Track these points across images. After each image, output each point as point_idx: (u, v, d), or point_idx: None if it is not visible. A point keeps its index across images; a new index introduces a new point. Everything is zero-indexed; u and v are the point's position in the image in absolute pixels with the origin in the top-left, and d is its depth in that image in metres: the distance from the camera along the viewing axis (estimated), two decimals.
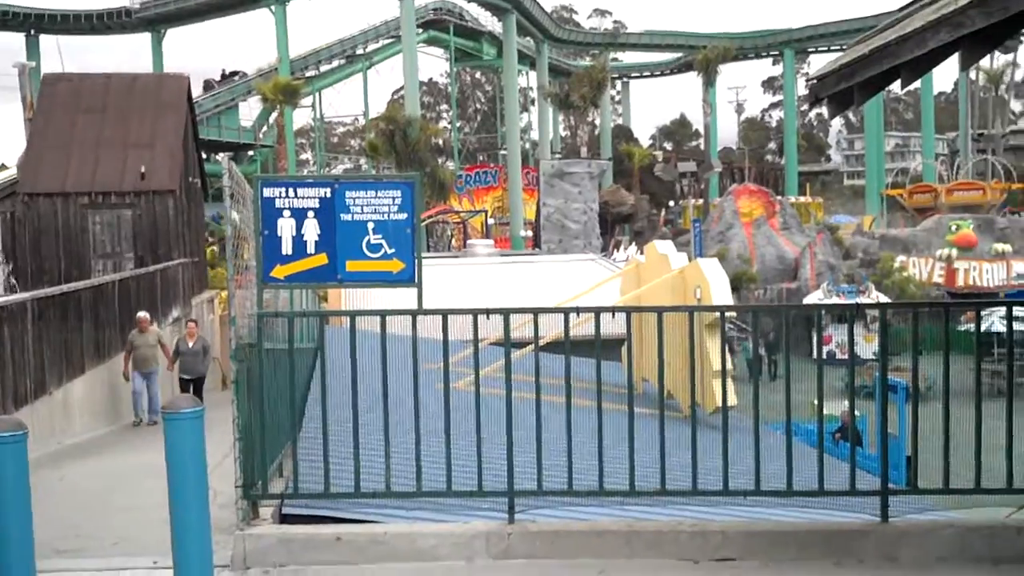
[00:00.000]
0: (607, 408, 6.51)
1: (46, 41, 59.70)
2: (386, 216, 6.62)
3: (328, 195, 6.62)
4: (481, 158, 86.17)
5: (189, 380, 16.64)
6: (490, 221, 60.32)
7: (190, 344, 16.93)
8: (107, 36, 63.62)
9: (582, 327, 7.13)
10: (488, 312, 6.36)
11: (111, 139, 24.84)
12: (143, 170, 24.03)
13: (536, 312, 6.41)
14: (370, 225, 6.62)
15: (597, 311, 6.46)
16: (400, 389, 6.56)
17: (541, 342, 6.52)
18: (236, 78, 61.55)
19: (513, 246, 55.62)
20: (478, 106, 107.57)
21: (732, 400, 11.97)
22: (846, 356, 6.72)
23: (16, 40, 60.24)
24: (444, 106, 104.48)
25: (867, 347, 22.40)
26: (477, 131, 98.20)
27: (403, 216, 6.62)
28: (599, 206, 48.26)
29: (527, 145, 79.26)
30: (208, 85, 61.27)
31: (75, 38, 62.76)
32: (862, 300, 34.62)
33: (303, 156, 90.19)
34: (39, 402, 12.79)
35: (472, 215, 59.48)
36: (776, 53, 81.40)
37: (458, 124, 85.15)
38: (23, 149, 26.57)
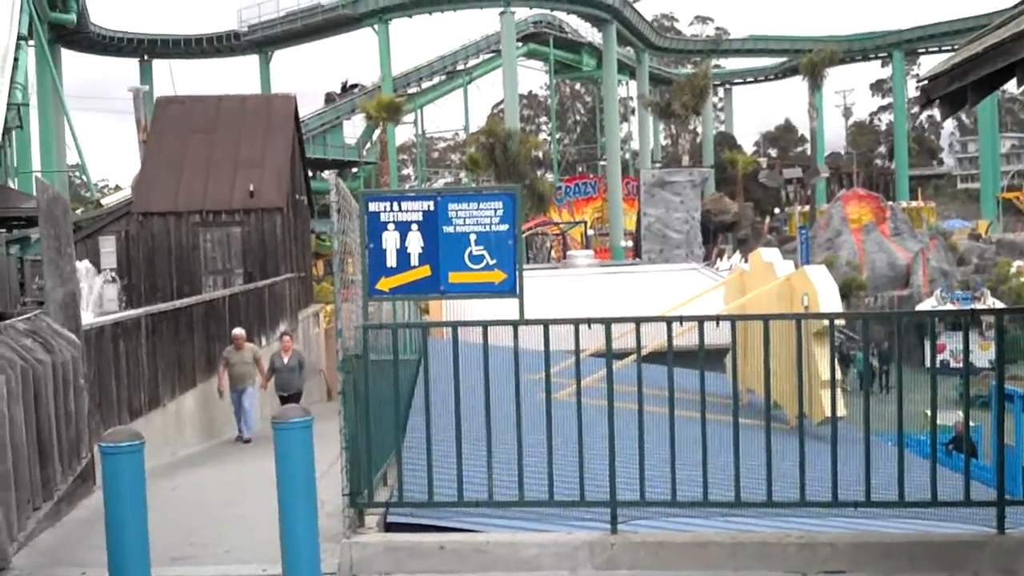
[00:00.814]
0: (711, 419, 6.43)
1: (159, 65, 62.12)
2: (488, 228, 6.66)
3: (431, 208, 6.71)
4: (580, 169, 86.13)
5: (287, 397, 16.03)
6: (590, 232, 60.22)
7: (285, 360, 16.23)
8: (217, 59, 65.73)
9: (685, 337, 7.05)
10: (589, 322, 6.37)
11: (221, 159, 25.65)
12: (252, 188, 24.73)
13: (638, 321, 6.37)
14: (472, 237, 6.68)
15: (700, 319, 6.39)
16: (502, 399, 6.60)
17: (643, 352, 6.48)
18: (356, 90, 62.89)
19: (613, 257, 55.39)
20: (577, 117, 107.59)
21: (841, 411, 11.69)
22: (960, 365, 6.50)
23: (131, 65, 62.84)
24: (543, 118, 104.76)
25: (983, 355, 21.63)
26: (576, 142, 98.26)
27: (504, 227, 6.66)
28: (701, 215, 47.73)
29: (627, 155, 78.91)
30: (329, 97, 62.73)
31: (186, 62, 65.01)
32: (977, 307, 33.40)
33: (404, 171, 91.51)
34: (154, 413, 13.24)
35: (571, 226, 59.45)
36: (884, 55, 79.31)
37: (557, 136, 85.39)
38: (138, 170, 27.63)
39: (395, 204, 6.76)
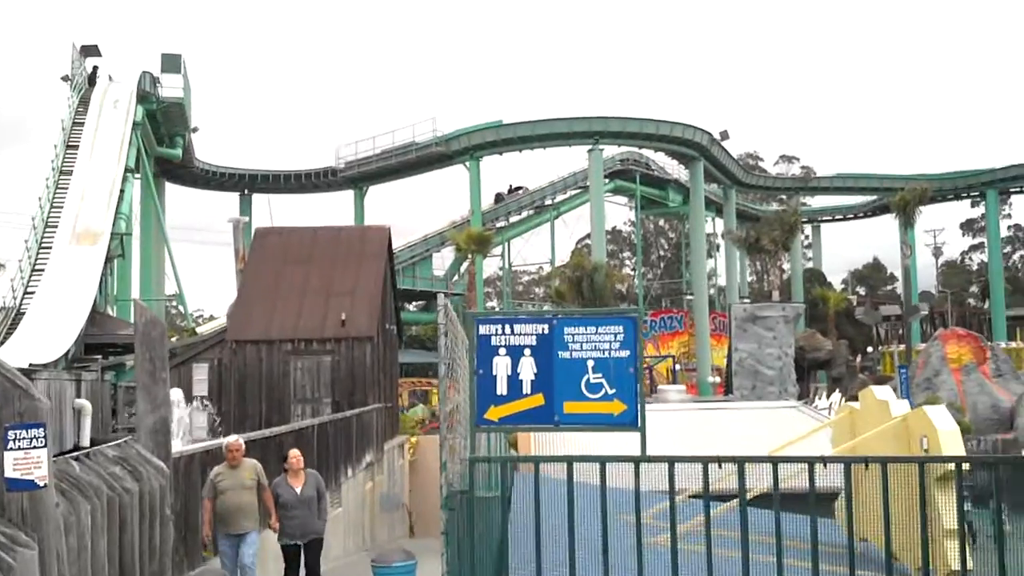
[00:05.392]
0: (823, 570, 5.76)
1: (257, 199, 64.18)
2: (607, 353, 6.18)
3: (546, 332, 6.27)
4: (665, 304, 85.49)
5: (299, 547, 11.19)
6: (676, 367, 59.18)
7: (297, 489, 11.17)
8: (314, 194, 67.64)
9: (788, 481, 6.42)
10: (720, 460, 5.77)
11: (315, 288, 25.85)
12: (343, 317, 24.75)
13: (776, 462, 5.76)
14: (590, 363, 6.19)
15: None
16: (619, 544, 6.00)
17: (748, 495, 5.85)
18: (520, 192, 66.11)
19: (700, 392, 54.22)
20: (661, 253, 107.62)
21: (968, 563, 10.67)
22: None
23: (231, 199, 65.07)
24: (627, 253, 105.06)
25: None
26: (660, 277, 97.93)
27: (625, 353, 6.17)
28: (795, 351, 46.52)
29: (712, 291, 78.08)
30: (499, 197, 65.75)
31: (284, 196, 67.06)
32: None
33: (489, 304, 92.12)
34: None
35: (658, 360, 58.46)
36: (976, 194, 78.09)
37: (641, 270, 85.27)
38: (233, 299, 27.96)
39: (507, 327, 6.34)
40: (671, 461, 5.74)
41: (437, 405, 49.19)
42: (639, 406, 6.08)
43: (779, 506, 5.69)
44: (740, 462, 5.72)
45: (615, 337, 6.15)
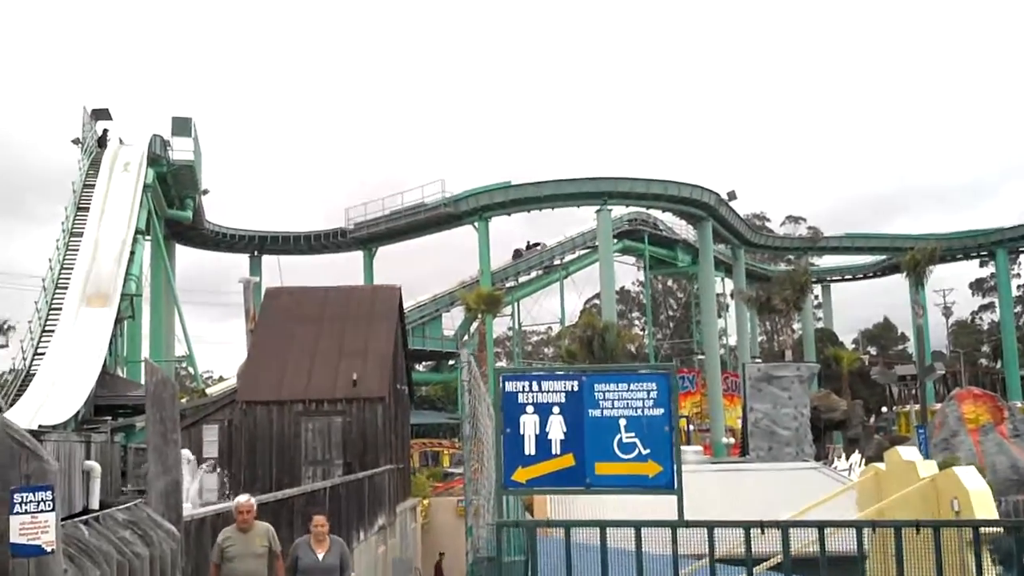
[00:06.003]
0: None
1: (268, 260, 64.29)
2: (640, 412, 5.88)
3: (575, 389, 5.99)
4: (675, 364, 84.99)
5: None
6: (690, 427, 58.55)
7: (319, 555, 10.10)
8: (323, 255, 67.69)
9: (812, 545, 6.10)
10: (763, 525, 5.46)
11: (326, 348, 25.59)
12: (355, 377, 24.45)
13: (822, 526, 5.45)
14: (622, 422, 5.90)
15: (899, 524, 5.45)
16: None
17: (771, 562, 5.54)
18: (538, 248, 67.47)
19: (715, 453, 53.49)
20: (670, 313, 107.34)
21: None
22: None
23: (241, 260, 65.19)
24: (636, 313, 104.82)
25: None
26: (670, 337, 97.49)
27: (660, 412, 5.89)
28: (809, 411, 45.98)
29: (722, 351, 77.65)
30: (517, 253, 67.10)
31: (294, 257, 67.11)
32: None
33: (499, 364, 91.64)
34: None
35: None
36: (985, 254, 77.91)
37: (651, 330, 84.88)
38: (244, 359, 27.72)
39: (535, 384, 6.06)
40: (711, 526, 5.44)
41: (447, 467, 48.63)
42: (675, 467, 5.78)
43: (827, 573, 5.37)
44: (784, 527, 5.42)
45: (648, 394, 5.86)
